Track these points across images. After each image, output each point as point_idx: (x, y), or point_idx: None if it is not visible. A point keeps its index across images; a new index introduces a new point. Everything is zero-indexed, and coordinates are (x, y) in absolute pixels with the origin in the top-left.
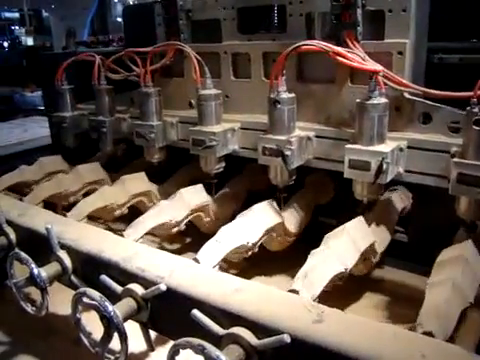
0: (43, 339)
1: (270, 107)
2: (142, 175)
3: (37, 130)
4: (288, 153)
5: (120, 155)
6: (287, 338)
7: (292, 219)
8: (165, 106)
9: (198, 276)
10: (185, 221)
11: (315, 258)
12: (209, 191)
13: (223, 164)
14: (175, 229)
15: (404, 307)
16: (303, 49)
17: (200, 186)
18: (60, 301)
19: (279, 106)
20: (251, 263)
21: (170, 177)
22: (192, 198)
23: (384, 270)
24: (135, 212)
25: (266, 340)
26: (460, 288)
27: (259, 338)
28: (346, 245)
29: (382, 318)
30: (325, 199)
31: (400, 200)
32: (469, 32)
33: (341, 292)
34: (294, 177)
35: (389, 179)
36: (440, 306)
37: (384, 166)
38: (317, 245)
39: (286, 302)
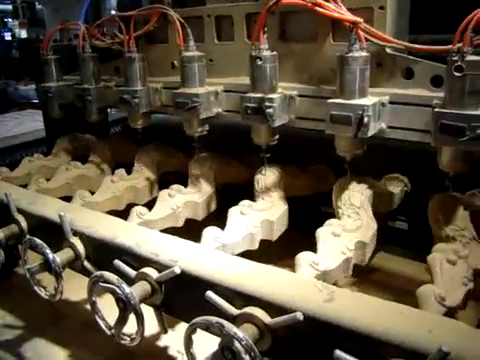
0: (54, 324)
1: (252, 65)
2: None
3: (32, 123)
4: (270, 111)
5: None
6: (300, 316)
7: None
8: (150, 73)
9: (211, 259)
10: None
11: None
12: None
13: (206, 127)
14: None
15: (402, 294)
16: (283, 3)
17: None
18: (68, 288)
19: (260, 62)
20: (249, 252)
21: None
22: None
23: (383, 257)
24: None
25: (279, 318)
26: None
27: (272, 317)
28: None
29: None
30: (326, 187)
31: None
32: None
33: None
34: (277, 137)
35: (371, 133)
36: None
37: (365, 119)
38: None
39: (297, 283)
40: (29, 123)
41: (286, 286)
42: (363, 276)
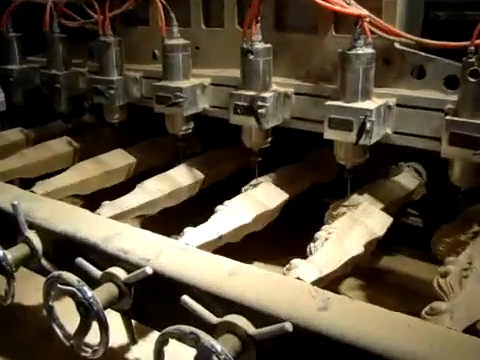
0: (5, 333)
1: (243, 59)
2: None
3: None
4: (262, 111)
5: None
6: (289, 326)
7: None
8: (128, 59)
9: (188, 258)
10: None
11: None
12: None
13: (192, 125)
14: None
15: (417, 302)
16: None
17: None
18: (24, 290)
19: (252, 57)
20: (243, 246)
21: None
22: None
23: (395, 259)
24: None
25: (265, 329)
26: None
27: (257, 327)
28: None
29: None
30: (327, 178)
31: (407, 179)
32: None
33: (346, 284)
34: (269, 139)
35: (374, 141)
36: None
37: (368, 125)
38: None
39: (287, 287)
40: None
41: (274, 291)
42: (370, 279)
